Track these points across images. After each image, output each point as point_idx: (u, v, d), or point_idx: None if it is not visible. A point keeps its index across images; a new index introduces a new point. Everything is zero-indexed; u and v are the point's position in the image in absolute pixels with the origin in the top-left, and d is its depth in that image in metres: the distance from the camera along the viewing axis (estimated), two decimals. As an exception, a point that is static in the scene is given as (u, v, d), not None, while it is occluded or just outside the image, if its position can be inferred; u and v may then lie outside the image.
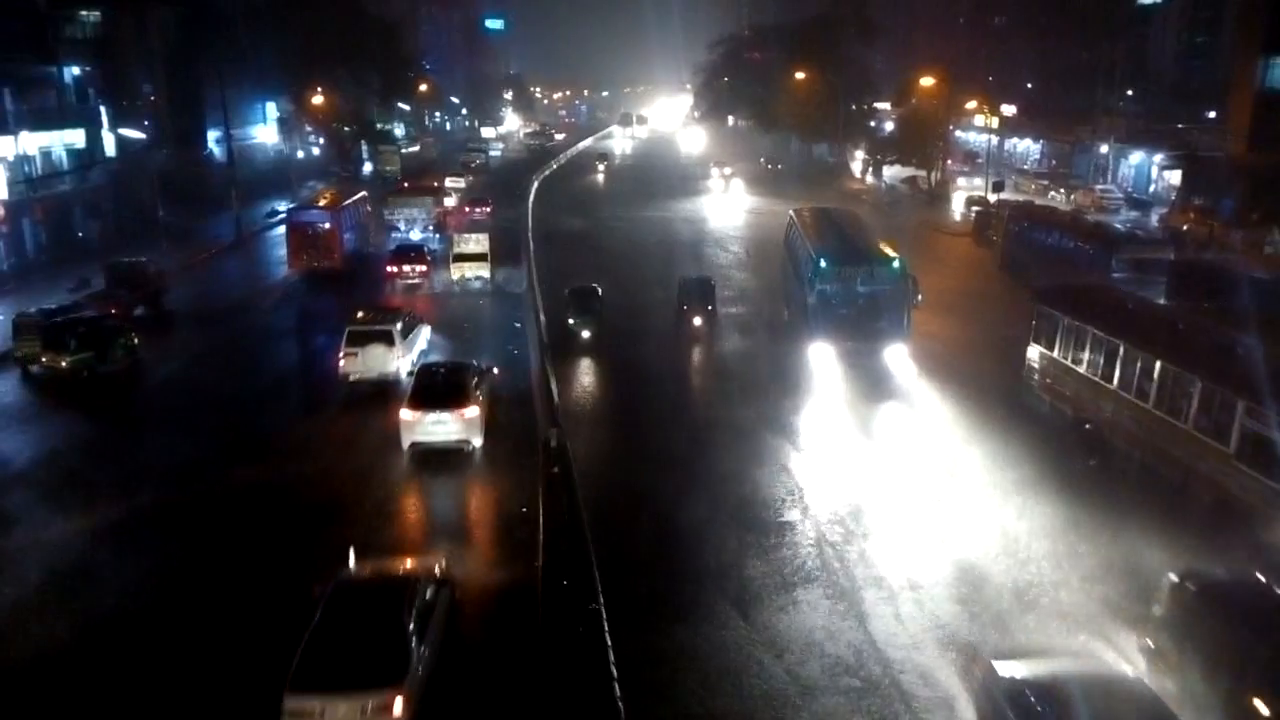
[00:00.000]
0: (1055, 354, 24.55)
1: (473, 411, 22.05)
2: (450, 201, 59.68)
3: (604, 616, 14.16)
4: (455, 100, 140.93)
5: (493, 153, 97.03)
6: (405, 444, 22.12)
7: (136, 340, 30.92)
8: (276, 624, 14.51)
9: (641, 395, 27.46)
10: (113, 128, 54.12)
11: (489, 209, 58.69)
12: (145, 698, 13.97)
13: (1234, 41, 58.26)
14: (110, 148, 54.03)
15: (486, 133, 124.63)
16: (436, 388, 22.61)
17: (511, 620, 15.57)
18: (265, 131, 76.61)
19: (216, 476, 21.59)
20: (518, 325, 34.04)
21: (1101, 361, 22.56)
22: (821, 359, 27.84)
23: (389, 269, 40.79)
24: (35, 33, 48.23)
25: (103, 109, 53.81)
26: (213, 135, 65.00)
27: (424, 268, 40.38)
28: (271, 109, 77.28)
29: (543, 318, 31.35)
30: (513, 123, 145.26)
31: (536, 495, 19.17)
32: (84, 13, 53.78)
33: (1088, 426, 22.80)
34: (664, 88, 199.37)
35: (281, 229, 46.75)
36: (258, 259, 50.01)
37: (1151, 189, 65.15)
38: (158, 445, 23.98)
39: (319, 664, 12.63)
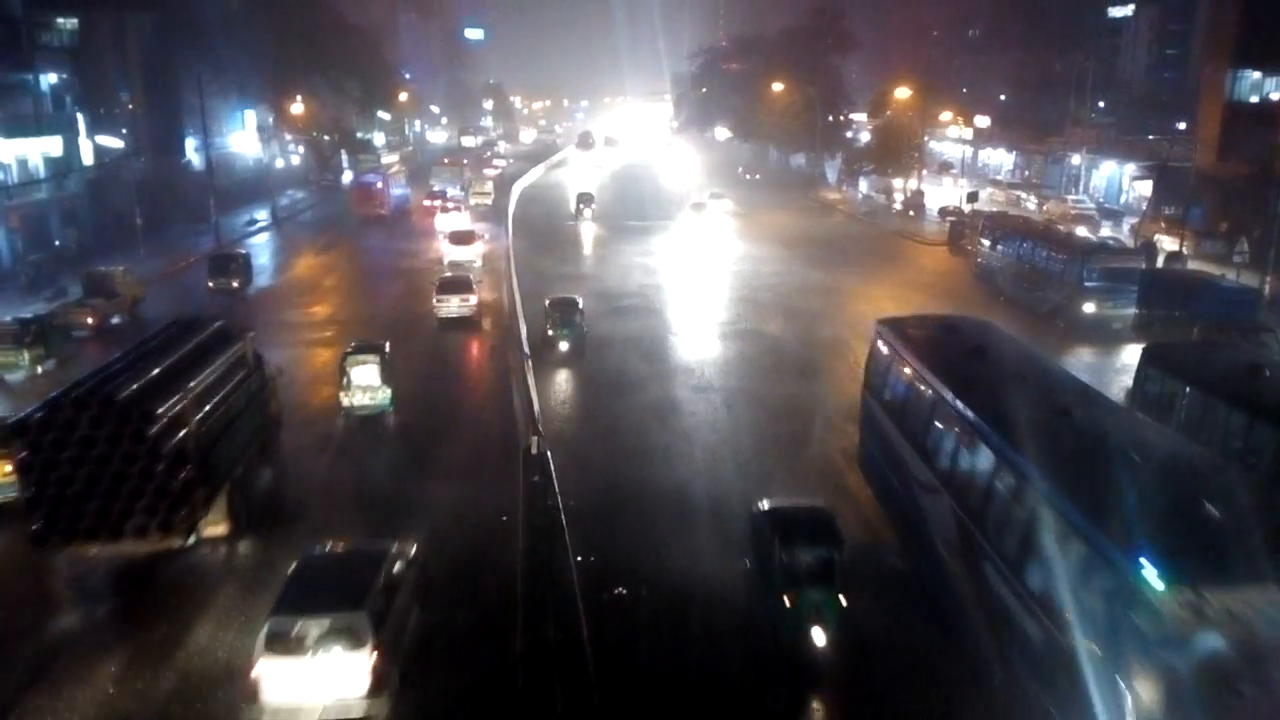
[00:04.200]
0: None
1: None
2: (489, 172, 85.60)
3: (584, 628, 14.34)
4: (435, 109, 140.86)
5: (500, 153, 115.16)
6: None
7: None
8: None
9: None
10: (90, 135, 53.98)
11: (500, 169, 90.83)
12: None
13: (1203, 54, 59.44)
14: (88, 156, 53.86)
15: (466, 141, 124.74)
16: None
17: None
18: (244, 140, 76.42)
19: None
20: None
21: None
22: None
23: (426, 202, 64.99)
24: (11, 40, 48.11)
25: (80, 116, 53.62)
26: (191, 143, 64.84)
27: (454, 202, 61.27)
28: (250, 117, 77.10)
29: (523, 326, 31.52)
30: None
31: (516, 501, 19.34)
32: (61, 20, 53.58)
33: None
34: (643, 97, 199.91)
35: (261, 237, 57.93)
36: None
37: (1123, 199, 66.17)
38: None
39: (445, 292, 35.87)
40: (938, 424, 16.56)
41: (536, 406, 23.86)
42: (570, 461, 21.55)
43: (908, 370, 18.59)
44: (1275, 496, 15.45)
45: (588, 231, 59.81)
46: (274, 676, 12.89)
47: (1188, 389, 19.24)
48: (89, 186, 52.88)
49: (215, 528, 18.28)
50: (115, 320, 35.59)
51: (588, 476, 21.38)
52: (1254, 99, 52.20)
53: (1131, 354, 26.49)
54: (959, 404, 15.88)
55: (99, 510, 16.10)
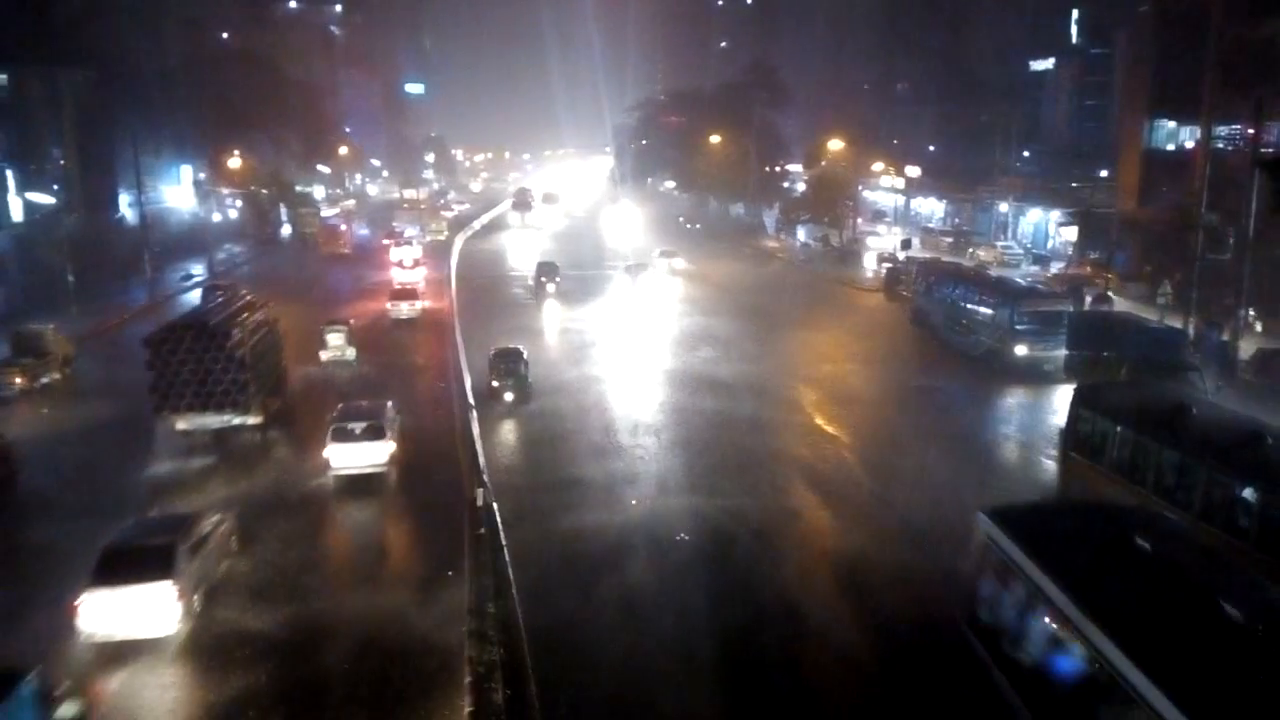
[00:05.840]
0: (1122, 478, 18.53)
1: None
2: (445, 214, 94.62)
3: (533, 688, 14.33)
4: (376, 163, 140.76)
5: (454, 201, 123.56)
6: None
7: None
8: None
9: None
10: (20, 192, 53.00)
11: (455, 211, 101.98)
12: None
13: (1121, 104, 61.92)
14: (17, 212, 52.83)
15: (409, 194, 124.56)
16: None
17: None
18: (180, 194, 75.50)
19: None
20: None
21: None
22: None
23: (385, 240, 71.01)
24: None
25: (9, 173, 52.69)
26: (125, 199, 63.92)
27: (409, 241, 66.79)
28: (186, 172, 76.33)
29: (468, 378, 31.36)
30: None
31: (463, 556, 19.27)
32: (-11, 77, 52.88)
33: None
34: (584, 150, 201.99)
35: (196, 293, 53.37)
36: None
37: (1050, 244, 68.24)
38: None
39: (396, 299, 47.08)
40: None
41: (482, 459, 23.73)
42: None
43: (1062, 627, 11.20)
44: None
45: (541, 297, 52.92)
46: (337, 454, 24.08)
47: (1118, 429, 19.53)
48: (18, 244, 51.79)
49: (255, 418, 27.58)
50: (46, 380, 34.58)
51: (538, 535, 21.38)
52: (1170, 147, 54.40)
53: (1063, 395, 27.16)
54: None
55: (194, 393, 26.53)
